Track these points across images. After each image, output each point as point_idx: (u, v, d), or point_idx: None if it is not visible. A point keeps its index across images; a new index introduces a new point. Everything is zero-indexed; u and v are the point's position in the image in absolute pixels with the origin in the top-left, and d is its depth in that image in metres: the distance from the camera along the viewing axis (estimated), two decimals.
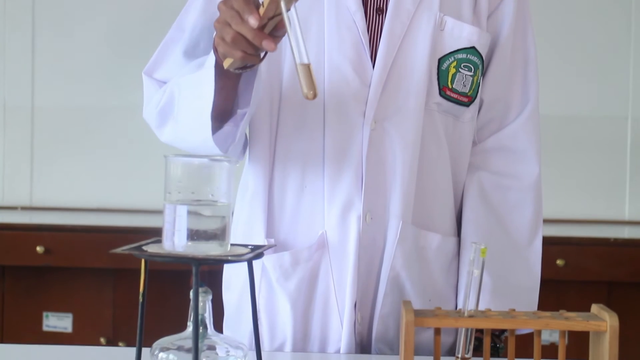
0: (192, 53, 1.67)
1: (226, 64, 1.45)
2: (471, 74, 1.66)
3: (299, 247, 1.65)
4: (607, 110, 3.81)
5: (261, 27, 1.35)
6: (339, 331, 1.64)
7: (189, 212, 1.26)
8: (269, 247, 1.43)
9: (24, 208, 3.85)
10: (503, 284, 1.68)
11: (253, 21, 1.34)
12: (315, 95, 1.26)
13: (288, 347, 1.67)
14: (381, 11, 1.65)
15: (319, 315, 1.65)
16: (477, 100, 1.70)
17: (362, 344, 1.67)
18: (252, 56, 1.41)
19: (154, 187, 3.23)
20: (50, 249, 3.32)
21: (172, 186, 1.28)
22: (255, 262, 1.66)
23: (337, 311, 1.64)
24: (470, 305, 1.27)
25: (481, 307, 1.29)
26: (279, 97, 1.65)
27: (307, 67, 1.27)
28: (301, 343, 1.67)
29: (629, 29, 3.80)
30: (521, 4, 1.72)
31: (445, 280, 1.70)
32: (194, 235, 1.26)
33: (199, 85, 1.54)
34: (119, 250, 1.27)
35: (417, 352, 1.34)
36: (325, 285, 1.65)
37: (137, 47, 3.75)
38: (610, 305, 1.34)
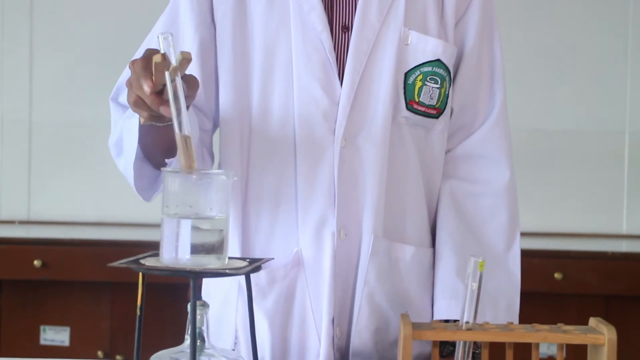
0: None
1: (142, 119, 1.47)
2: (438, 86, 1.67)
3: (275, 265, 1.65)
4: (604, 125, 3.81)
5: (159, 92, 1.35)
6: (317, 347, 1.64)
7: (187, 226, 1.26)
8: (267, 260, 1.44)
9: (21, 222, 3.85)
10: (480, 292, 1.67)
11: (146, 88, 1.35)
12: (192, 168, 1.27)
13: None
14: (347, 29, 1.66)
15: (297, 332, 1.65)
16: (446, 111, 1.70)
17: (341, 359, 1.66)
18: (158, 117, 1.41)
19: (151, 201, 3.23)
20: (47, 262, 3.32)
21: (170, 200, 1.28)
22: (231, 280, 1.66)
23: (315, 327, 1.64)
24: (468, 318, 1.27)
25: (469, 320, 1.29)
26: (249, 118, 1.66)
27: (186, 139, 1.28)
28: None
29: (626, 43, 3.81)
30: (486, 12, 1.73)
31: (422, 291, 1.70)
32: (192, 248, 1.26)
33: (129, 131, 1.59)
34: (116, 263, 1.27)
35: None
36: (302, 302, 1.64)
37: None
38: (608, 318, 1.34)
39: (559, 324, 1.31)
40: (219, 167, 1.69)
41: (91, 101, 3.82)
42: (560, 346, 1.31)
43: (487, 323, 1.32)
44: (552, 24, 3.78)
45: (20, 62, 3.85)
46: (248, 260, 1.37)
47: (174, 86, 1.30)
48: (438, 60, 1.67)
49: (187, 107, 1.41)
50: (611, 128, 3.81)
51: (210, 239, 1.28)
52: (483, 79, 1.74)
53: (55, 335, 3.41)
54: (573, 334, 1.27)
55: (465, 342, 1.29)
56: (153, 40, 1.70)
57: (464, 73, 1.72)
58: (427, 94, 1.67)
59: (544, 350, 3.34)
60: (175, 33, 1.67)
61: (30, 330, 3.41)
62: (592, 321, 1.32)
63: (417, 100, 1.66)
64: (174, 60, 1.31)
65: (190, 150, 1.28)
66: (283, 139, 1.64)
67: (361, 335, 1.64)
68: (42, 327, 3.42)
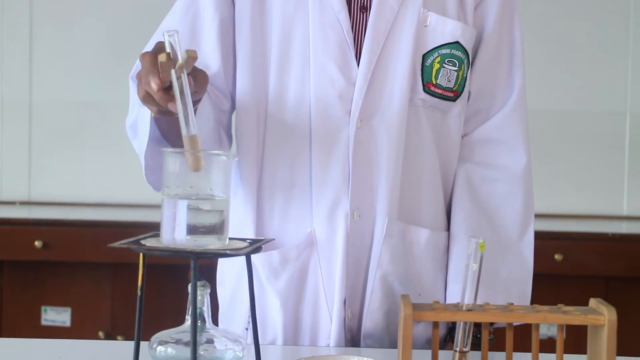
0: None
1: (152, 113, 1.47)
2: (456, 69, 1.66)
3: (288, 245, 1.65)
4: (605, 106, 3.81)
5: (168, 88, 1.35)
6: (329, 327, 1.65)
7: (188, 207, 1.26)
8: (268, 241, 1.44)
9: (22, 203, 3.85)
10: (492, 278, 1.68)
11: (153, 85, 1.34)
12: (199, 169, 1.26)
13: (279, 343, 1.67)
14: (365, 9, 1.65)
15: (309, 313, 1.66)
16: (464, 95, 1.70)
17: (352, 340, 1.67)
18: (167, 112, 1.40)
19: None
20: (48, 243, 3.33)
21: (171, 180, 1.28)
22: (245, 261, 1.67)
23: (327, 308, 1.64)
24: (468, 299, 1.28)
25: (469, 302, 1.29)
26: (265, 98, 1.66)
27: (192, 139, 1.28)
28: (292, 339, 1.67)
29: (628, 24, 3.80)
30: None
31: (435, 274, 1.70)
32: (193, 229, 1.26)
33: (143, 120, 1.58)
34: (117, 244, 1.28)
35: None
36: (314, 282, 1.65)
37: (136, 42, 3.74)
38: (608, 299, 1.34)
39: (559, 305, 1.31)
40: (236, 148, 1.70)
41: (91, 82, 3.81)
42: (560, 327, 1.31)
43: (487, 304, 1.32)
44: (552, 4, 3.77)
45: (20, 42, 3.84)
46: (249, 241, 1.37)
47: (180, 84, 1.30)
48: (457, 42, 1.66)
49: (199, 101, 1.43)
50: (612, 109, 3.80)
51: (210, 219, 1.28)
52: (502, 63, 1.73)
53: (56, 316, 3.42)
54: (573, 315, 1.27)
55: (465, 323, 1.29)
56: (174, 19, 1.69)
57: (483, 56, 1.72)
58: (445, 76, 1.66)
59: (543, 331, 3.35)
60: (196, 12, 1.68)
61: (31, 311, 3.42)
62: (592, 302, 1.32)
63: (434, 82, 1.66)
64: (180, 58, 1.30)
65: (199, 149, 1.27)
66: (299, 119, 1.64)
67: (373, 317, 1.65)
68: (43, 308, 3.42)
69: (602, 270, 3.32)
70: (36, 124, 3.86)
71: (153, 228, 1.37)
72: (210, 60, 1.66)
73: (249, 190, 1.67)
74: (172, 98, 1.32)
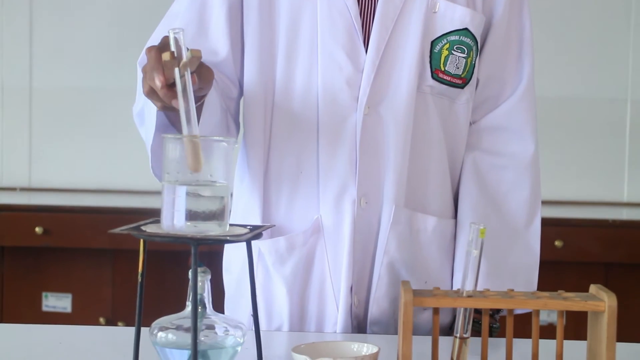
0: None
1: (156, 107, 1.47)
2: (464, 55, 1.66)
3: (295, 232, 1.65)
4: (606, 93, 3.80)
5: (172, 84, 1.34)
6: (335, 314, 1.65)
7: (188, 193, 1.26)
8: (268, 227, 1.44)
9: (22, 189, 3.85)
10: (499, 266, 1.68)
11: (157, 82, 1.34)
12: (199, 170, 1.26)
13: (285, 330, 1.67)
14: None
15: (315, 299, 1.66)
16: (472, 82, 1.69)
17: (359, 327, 1.67)
18: (170, 107, 1.40)
19: None
20: (49, 229, 3.33)
21: (171, 167, 1.28)
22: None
23: (333, 295, 1.64)
24: (469, 286, 1.28)
25: (470, 288, 1.29)
26: (272, 85, 1.65)
27: (193, 140, 1.27)
28: (298, 326, 1.67)
29: (629, 11, 3.79)
30: None
31: (442, 262, 1.70)
32: (193, 215, 1.26)
33: (150, 112, 1.58)
34: (117, 230, 1.28)
35: (415, 333, 1.35)
36: (320, 269, 1.65)
37: (137, 27, 3.74)
38: (608, 286, 1.34)
39: (559, 291, 1.31)
40: (243, 135, 1.70)
41: (92, 67, 3.81)
42: (560, 313, 1.31)
43: (488, 290, 1.32)
44: None
45: (20, 28, 3.83)
46: (249, 227, 1.37)
47: (183, 82, 1.30)
48: (466, 29, 1.65)
49: (202, 99, 1.43)
50: (613, 95, 3.80)
51: (211, 206, 1.27)
52: (511, 51, 1.73)
53: (57, 302, 3.43)
54: (573, 301, 1.27)
55: (465, 310, 1.29)
56: (183, 4, 1.68)
57: (492, 43, 1.71)
58: (454, 63, 1.65)
59: (544, 317, 3.35)
60: None
61: (32, 297, 3.42)
62: (593, 288, 1.32)
63: (442, 69, 1.65)
64: (184, 56, 1.30)
65: (198, 151, 1.27)
66: (306, 106, 1.64)
67: (379, 304, 1.65)
68: (44, 294, 3.43)
69: (602, 256, 3.33)
70: (36, 110, 3.85)
71: (154, 214, 1.37)
72: (218, 46, 1.66)
73: (256, 178, 1.67)
74: (175, 95, 1.32)
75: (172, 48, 1.31)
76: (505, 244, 1.70)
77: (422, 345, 1.39)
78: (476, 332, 1.54)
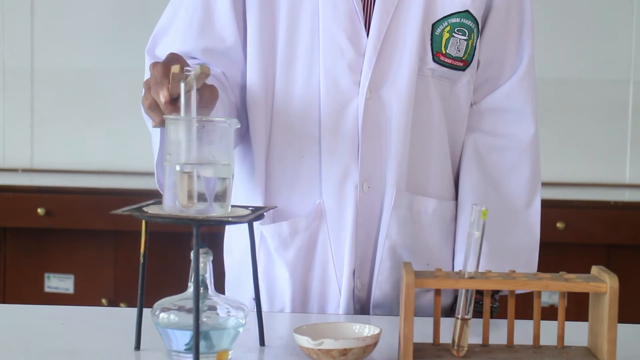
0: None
1: (153, 123, 1.45)
2: (465, 38, 1.65)
3: (297, 216, 1.65)
4: (609, 74, 3.79)
5: (175, 99, 1.35)
6: (337, 298, 1.65)
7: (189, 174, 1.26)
8: (270, 208, 1.44)
9: (24, 170, 3.85)
10: (499, 247, 1.68)
11: (162, 98, 1.35)
12: (190, 206, 1.25)
13: (287, 312, 1.67)
14: None
15: (318, 283, 1.66)
16: (473, 64, 1.69)
17: (362, 310, 1.68)
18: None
19: None
20: (51, 211, 3.33)
21: (172, 148, 1.28)
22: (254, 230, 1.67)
23: (336, 279, 1.65)
24: (470, 267, 1.28)
25: (472, 269, 1.29)
26: (273, 69, 1.65)
27: (186, 176, 1.26)
28: (300, 309, 1.67)
29: None
30: None
31: (443, 244, 1.71)
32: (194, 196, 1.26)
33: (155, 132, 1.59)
34: (119, 211, 1.28)
35: (417, 314, 1.35)
36: (323, 253, 1.65)
37: (138, 8, 3.73)
38: (610, 267, 1.34)
39: (561, 273, 1.31)
40: (247, 119, 1.69)
41: (94, 48, 3.80)
42: (562, 294, 1.31)
43: (490, 271, 1.32)
44: None
45: (21, 8, 3.82)
46: (251, 208, 1.37)
47: (187, 97, 1.30)
48: (466, 11, 1.65)
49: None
50: (615, 77, 3.79)
51: (212, 186, 1.28)
52: (511, 32, 1.72)
53: (59, 283, 3.44)
54: (575, 282, 1.27)
55: (467, 291, 1.29)
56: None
57: (493, 25, 1.70)
58: (455, 45, 1.65)
59: (545, 299, 3.36)
60: None
61: (34, 278, 3.43)
62: (594, 269, 1.32)
63: (443, 52, 1.65)
64: (193, 71, 1.31)
65: (191, 186, 1.26)
66: (307, 90, 1.64)
67: (382, 288, 1.65)
68: (46, 275, 3.44)
69: (604, 238, 3.33)
70: (38, 91, 3.85)
71: (156, 196, 1.38)
72: (225, 33, 1.65)
73: (258, 161, 1.66)
74: (178, 110, 1.32)
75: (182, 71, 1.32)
76: (505, 225, 1.70)
77: (423, 326, 1.39)
78: (477, 312, 1.55)
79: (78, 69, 3.82)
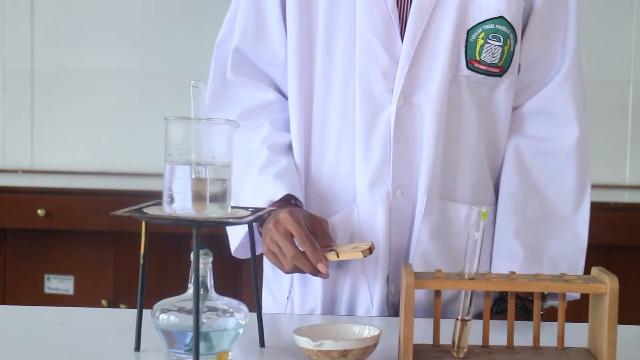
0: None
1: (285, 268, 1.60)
2: (500, 44, 1.64)
3: (332, 220, 1.65)
4: (609, 74, 3.79)
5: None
6: (368, 302, 1.65)
7: (190, 175, 1.26)
8: (269, 209, 1.44)
9: (24, 171, 3.85)
10: (538, 253, 1.67)
11: (323, 270, 1.52)
12: (201, 212, 1.28)
13: (318, 312, 1.68)
14: None
15: (348, 288, 1.67)
16: (512, 69, 1.67)
17: (396, 315, 1.67)
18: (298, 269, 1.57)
19: (154, 150, 3.23)
20: (51, 212, 3.33)
21: (173, 148, 1.28)
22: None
23: (367, 284, 1.65)
24: (469, 268, 1.28)
25: (472, 271, 1.29)
26: (311, 80, 1.67)
27: (198, 181, 1.29)
28: (330, 309, 1.68)
29: None
30: None
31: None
32: (195, 197, 1.26)
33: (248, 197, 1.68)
34: (119, 212, 1.28)
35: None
36: (355, 259, 1.65)
37: (140, 9, 3.73)
38: (610, 268, 1.34)
39: (561, 273, 1.31)
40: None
41: (94, 49, 3.80)
42: (562, 295, 1.31)
43: (489, 272, 1.32)
44: None
45: (21, 9, 3.82)
46: (251, 209, 1.37)
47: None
48: (501, 17, 1.64)
49: None
50: (615, 78, 3.79)
51: (212, 188, 1.28)
52: (555, 33, 1.70)
53: (59, 284, 3.43)
54: (575, 284, 1.27)
55: (467, 292, 1.29)
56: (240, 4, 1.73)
57: (534, 27, 1.69)
58: (489, 52, 1.64)
59: None
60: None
61: (34, 279, 3.43)
62: (594, 271, 1.32)
63: (478, 58, 1.64)
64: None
65: (204, 194, 1.28)
66: (344, 96, 1.65)
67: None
68: (46, 276, 3.44)
69: (604, 239, 3.32)
70: (38, 92, 3.85)
71: (156, 197, 1.38)
72: (279, 47, 1.71)
73: (297, 164, 1.68)
74: (322, 258, 1.51)
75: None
76: (547, 230, 1.69)
77: (423, 327, 1.39)
78: (520, 317, 1.55)
79: (78, 70, 3.81)
